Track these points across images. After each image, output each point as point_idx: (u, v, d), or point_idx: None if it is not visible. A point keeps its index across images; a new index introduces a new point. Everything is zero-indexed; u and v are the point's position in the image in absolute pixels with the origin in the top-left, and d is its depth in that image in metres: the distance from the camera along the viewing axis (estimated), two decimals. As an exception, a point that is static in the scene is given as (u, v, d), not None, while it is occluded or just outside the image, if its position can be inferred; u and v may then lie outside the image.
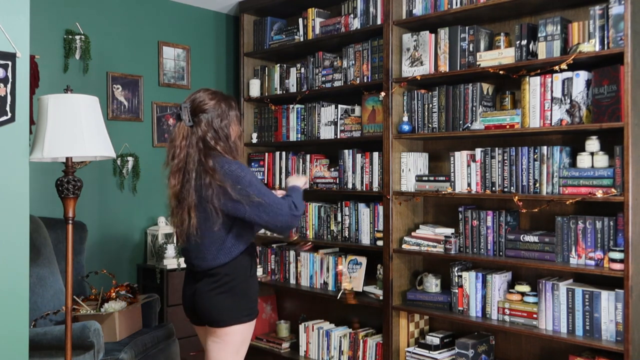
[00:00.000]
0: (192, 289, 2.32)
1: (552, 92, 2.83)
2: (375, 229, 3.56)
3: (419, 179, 3.40)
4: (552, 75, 2.83)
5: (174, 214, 2.26)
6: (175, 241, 2.77)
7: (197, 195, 2.18)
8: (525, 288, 2.99)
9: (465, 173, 3.19)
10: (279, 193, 2.42)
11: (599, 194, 2.65)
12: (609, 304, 2.67)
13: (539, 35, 2.87)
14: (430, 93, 3.32)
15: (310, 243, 3.87)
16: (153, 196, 4.13)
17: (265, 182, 4.19)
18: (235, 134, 2.34)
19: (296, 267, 4.01)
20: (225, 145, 2.27)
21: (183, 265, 3.90)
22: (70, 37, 3.70)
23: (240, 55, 4.34)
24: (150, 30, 4.14)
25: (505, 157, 3.02)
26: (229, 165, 2.18)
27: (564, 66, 2.76)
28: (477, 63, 3.10)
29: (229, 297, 2.24)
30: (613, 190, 2.63)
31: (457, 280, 3.18)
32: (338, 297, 3.65)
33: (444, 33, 3.23)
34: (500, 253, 3.05)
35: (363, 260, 3.65)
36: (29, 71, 2.18)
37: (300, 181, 2.49)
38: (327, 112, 3.85)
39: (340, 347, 3.74)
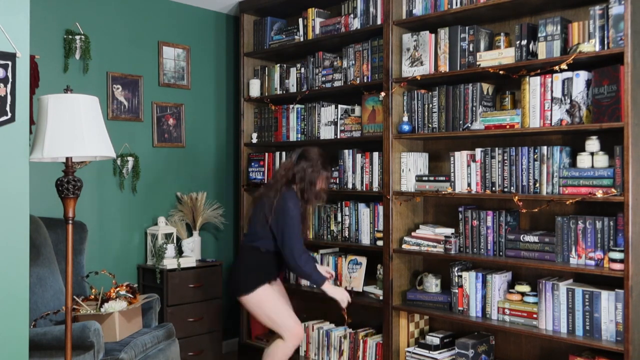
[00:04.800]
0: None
1: (552, 92, 2.83)
2: (375, 229, 3.56)
3: (419, 179, 3.40)
4: (552, 75, 2.83)
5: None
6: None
7: (259, 202, 3.20)
8: (525, 288, 2.99)
9: (465, 173, 3.19)
10: (324, 271, 3.33)
11: (599, 194, 2.65)
12: (609, 304, 2.67)
13: (539, 35, 2.87)
14: (430, 93, 3.32)
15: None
16: (153, 196, 4.13)
17: (265, 181, 4.19)
18: (320, 186, 3.20)
19: (296, 267, 4.01)
20: (302, 187, 3.13)
21: (183, 265, 3.91)
22: (70, 37, 3.69)
23: (240, 55, 4.34)
24: (150, 30, 4.14)
25: (505, 157, 3.02)
26: (288, 201, 3.08)
27: (564, 66, 2.76)
28: (477, 63, 3.10)
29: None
30: (613, 190, 2.63)
31: (457, 280, 3.18)
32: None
33: (444, 33, 3.23)
34: (500, 253, 3.05)
35: (363, 260, 3.65)
36: (29, 71, 2.18)
37: (334, 290, 3.25)
38: (327, 112, 3.85)
39: (340, 347, 3.74)
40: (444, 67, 3.22)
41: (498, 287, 3.06)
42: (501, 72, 3.00)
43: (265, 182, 3.34)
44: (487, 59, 3.06)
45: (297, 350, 3.98)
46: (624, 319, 2.58)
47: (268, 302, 3.16)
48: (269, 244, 3.15)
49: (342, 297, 3.22)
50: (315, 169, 3.16)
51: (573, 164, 2.89)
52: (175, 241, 4.04)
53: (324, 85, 3.85)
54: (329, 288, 3.21)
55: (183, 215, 4.20)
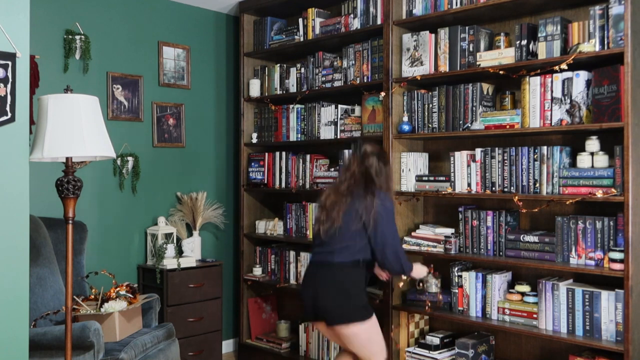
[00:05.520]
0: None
1: (552, 92, 2.83)
2: (375, 229, 3.55)
3: (419, 179, 3.40)
4: (552, 75, 2.83)
5: (324, 211, 2.86)
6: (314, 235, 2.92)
7: (349, 206, 2.77)
8: (525, 288, 2.99)
9: (465, 173, 3.19)
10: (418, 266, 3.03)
11: (599, 194, 2.65)
12: (609, 304, 2.67)
13: (539, 35, 2.87)
14: (430, 93, 3.32)
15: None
16: (153, 196, 4.13)
17: (265, 181, 4.20)
18: (391, 179, 2.98)
19: (296, 267, 4.01)
20: (380, 182, 2.84)
21: (183, 265, 3.91)
22: (70, 37, 3.69)
23: (240, 55, 4.34)
24: (150, 30, 4.14)
25: (505, 157, 3.02)
26: (385, 201, 2.78)
27: (564, 66, 2.76)
28: (477, 63, 3.10)
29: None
30: (613, 190, 2.63)
31: (457, 280, 3.18)
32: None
33: (444, 33, 3.23)
34: (500, 253, 3.05)
35: (363, 260, 3.65)
36: (29, 71, 2.18)
37: (419, 270, 3.02)
38: (327, 112, 3.85)
39: (340, 346, 3.74)
40: (444, 67, 3.22)
41: (498, 287, 3.06)
42: (501, 72, 3.00)
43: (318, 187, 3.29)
44: (487, 59, 3.06)
45: (297, 350, 3.99)
46: (624, 319, 2.58)
47: (378, 328, 2.87)
48: (366, 253, 2.80)
49: (423, 273, 3.07)
50: (386, 162, 2.93)
51: (573, 164, 2.89)
52: (175, 241, 4.04)
53: (324, 85, 3.86)
54: (416, 271, 3.01)
55: (183, 215, 4.20)
